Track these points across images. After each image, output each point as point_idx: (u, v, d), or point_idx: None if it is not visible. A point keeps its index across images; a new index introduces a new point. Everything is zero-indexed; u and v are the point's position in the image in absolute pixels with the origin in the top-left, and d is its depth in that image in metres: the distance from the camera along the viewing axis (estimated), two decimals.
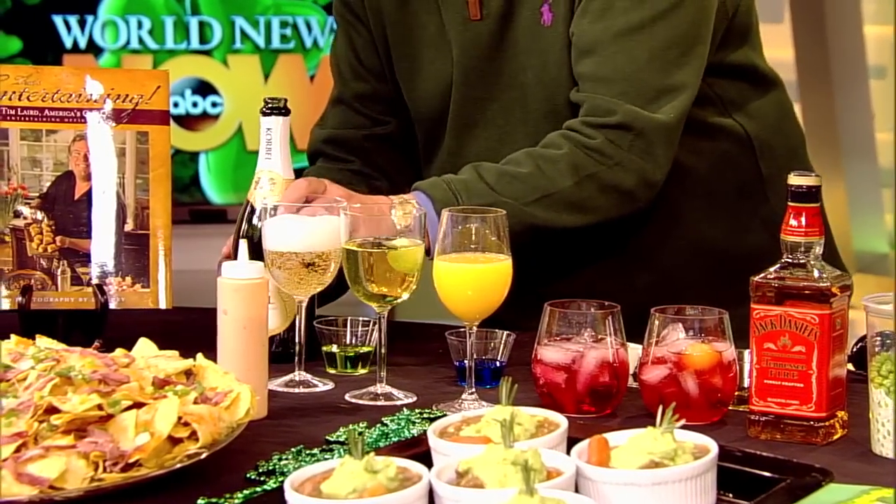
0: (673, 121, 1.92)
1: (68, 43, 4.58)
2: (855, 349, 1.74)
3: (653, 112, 1.90)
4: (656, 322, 1.65)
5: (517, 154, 1.94)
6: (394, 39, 2.10)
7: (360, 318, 1.88)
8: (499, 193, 1.89)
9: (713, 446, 1.34)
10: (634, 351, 1.71)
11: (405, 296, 1.74)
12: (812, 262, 1.57)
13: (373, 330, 1.85)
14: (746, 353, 1.64)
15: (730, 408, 1.67)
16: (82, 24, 4.58)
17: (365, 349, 1.87)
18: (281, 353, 1.85)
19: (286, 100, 1.88)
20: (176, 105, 4.57)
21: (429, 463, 1.33)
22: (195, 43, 4.64)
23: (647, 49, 1.91)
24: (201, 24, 4.63)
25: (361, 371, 1.86)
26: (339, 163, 2.17)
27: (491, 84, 2.03)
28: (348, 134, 2.17)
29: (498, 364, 1.83)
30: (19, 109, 1.95)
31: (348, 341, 1.87)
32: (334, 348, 1.87)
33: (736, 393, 1.67)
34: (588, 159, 1.91)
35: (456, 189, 1.89)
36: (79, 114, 1.95)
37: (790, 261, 1.58)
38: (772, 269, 1.58)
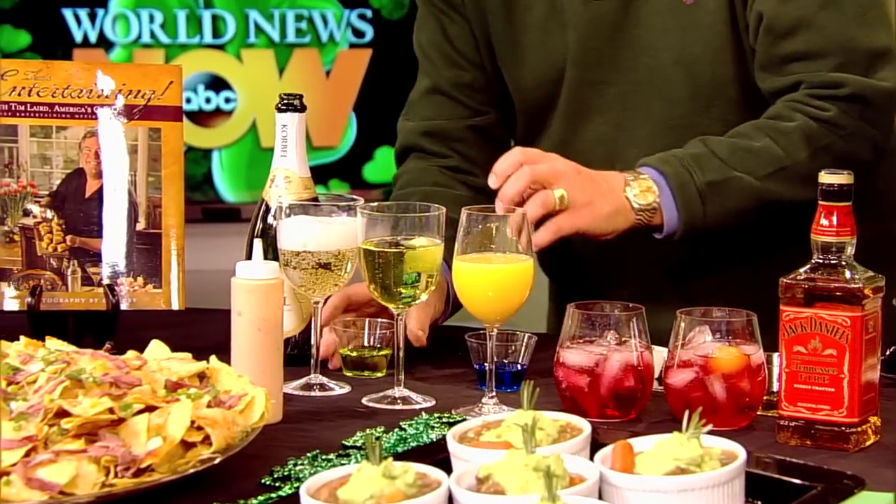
0: (894, 86, 1.92)
1: (78, 37, 4.60)
2: (889, 353, 1.73)
3: (876, 80, 1.91)
4: (682, 324, 1.65)
5: (744, 126, 1.92)
6: (496, 24, 2.07)
7: (379, 320, 1.89)
8: (732, 167, 1.87)
9: (741, 452, 1.33)
10: (659, 354, 1.71)
11: (423, 297, 1.74)
12: (844, 263, 1.56)
13: (390, 331, 1.86)
14: (775, 356, 1.64)
15: (758, 413, 1.66)
16: (93, 17, 4.59)
17: (382, 353, 1.87)
18: (296, 356, 1.85)
19: (302, 96, 1.89)
20: (189, 101, 4.59)
21: (448, 469, 1.33)
22: (208, 37, 4.65)
23: (852, 15, 1.92)
24: (214, 18, 4.64)
25: (378, 375, 1.86)
26: (436, 158, 2.12)
27: (610, 67, 2.00)
28: (448, 125, 2.12)
29: (519, 367, 1.83)
30: (29, 105, 1.95)
31: (366, 342, 1.88)
32: (352, 351, 1.87)
33: (765, 397, 1.67)
34: (822, 130, 1.90)
35: (689, 164, 1.87)
36: (89, 110, 1.96)
37: (821, 261, 1.57)
38: (802, 270, 1.58)
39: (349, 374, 1.86)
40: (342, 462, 1.51)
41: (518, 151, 1.82)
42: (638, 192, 1.82)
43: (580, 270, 2.11)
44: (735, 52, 1.97)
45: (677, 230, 1.88)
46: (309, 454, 1.53)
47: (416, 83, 2.17)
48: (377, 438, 1.58)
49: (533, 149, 1.87)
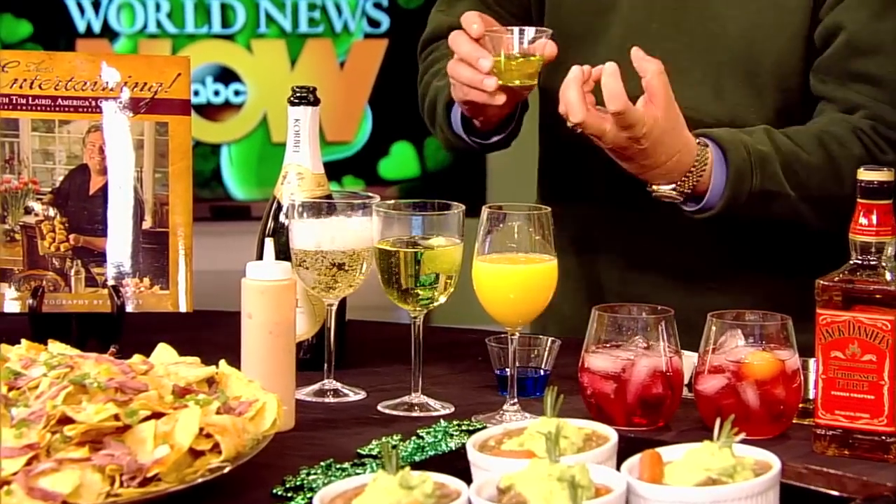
0: None
1: (81, 27, 4.61)
2: None
3: None
4: (713, 328, 1.65)
5: (806, 135, 1.92)
6: None
7: (528, 27, 1.84)
8: (787, 181, 1.89)
9: (775, 462, 1.33)
10: (689, 359, 1.71)
11: (442, 299, 1.75)
12: (884, 264, 1.56)
13: (543, 35, 1.81)
14: (812, 361, 1.63)
15: (793, 421, 1.66)
16: (96, 6, 4.61)
17: (535, 58, 1.82)
18: (309, 360, 1.86)
19: (315, 88, 1.89)
20: (196, 94, 4.60)
21: (468, 478, 1.33)
22: (217, 27, 4.66)
23: None
24: (223, 7, 4.65)
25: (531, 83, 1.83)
26: None
27: (669, 21, 1.99)
28: None
29: (542, 373, 1.83)
30: (30, 98, 1.96)
31: (516, 49, 1.81)
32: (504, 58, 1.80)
33: (800, 405, 1.67)
34: None
35: (754, 163, 1.88)
36: (94, 103, 1.96)
37: (860, 262, 1.57)
38: (839, 271, 1.57)
39: (504, 83, 1.81)
40: (357, 471, 1.52)
41: (660, 69, 1.81)
42: (692, 178, 1.84)
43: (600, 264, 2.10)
44: (807, 45, 1.96)
45: (708, 209, 1.88)
46: (322, 463, 1.54)
47: None
48: (394, 447, 1.59)
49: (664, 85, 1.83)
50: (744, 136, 1.90)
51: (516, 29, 1.84)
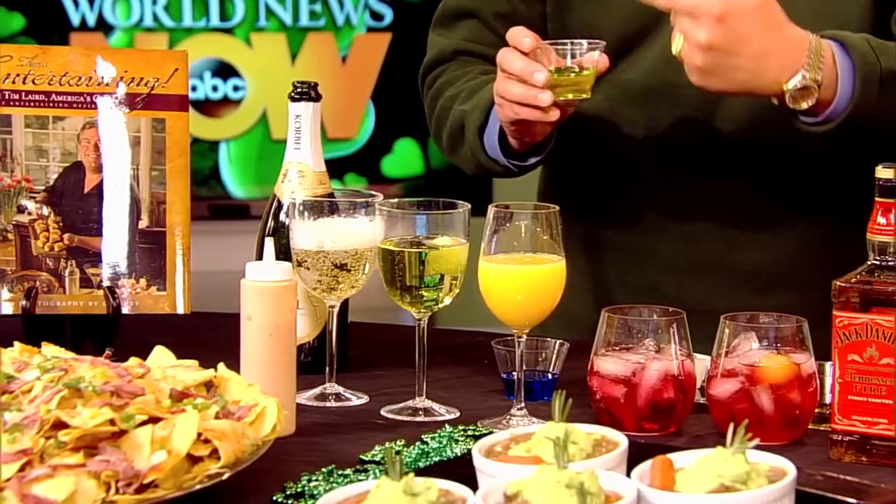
0: None
1: (75, 20, 4.62)
2: None
3: None
4: (726, 330, 1.65)
5: None
6: None
7: (580, 41, 1.83)
8: None
9: (791, 469, 1.33)
10: (702, 362, 1.71)
11: (447, 300, 1.75)
12: None
13: (597, 49, 1.81)
14: (828, 365, 1.63)
15: (809, 426, 1.66)
16: None
17: (586, 72, 1.82)
18: (310, 364, 1.86)
19: (316, 84, 1.90)
20: (194, 89, 4.60)
21: (474, 485, 1.34)
22: (215, 20, 4.67)
23: None
24: (222, 0, 4.66)
25: (584, 96, 1.82)
26: (482, 64, 2.09)
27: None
28: (482, 49, 2.10)
29: (550, 376, 1.83)
30: (23, 94, 1.96)
31: (569, 62, 1.81)
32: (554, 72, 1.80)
33: (816, 410, 1.67)
34: None
35: (875, 47, 1.82)
36: (89, 99, 1.97)
37: (878, 263, 1.57)
38: (857, 272, 1.57)
39: (558, 98, 1.81)
40: (360, 478, 1.52)
41: None
42: (806, 77, 1.79)
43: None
44: (876, 16, 1.94)
45: (840, 115, 1.83)
46: (324, 469, 1.54)
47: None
48: (397, 453, 1.59)
49: None
50: (847, 32, 1.85)
51: (569, 42, 1.83)
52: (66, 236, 1.97)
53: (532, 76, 1.81)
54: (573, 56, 1.83)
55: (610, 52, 1.91)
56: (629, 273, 2.06)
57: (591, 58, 1.83)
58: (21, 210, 1.97)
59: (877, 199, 1.57)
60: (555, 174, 2.16)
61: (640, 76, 2.01)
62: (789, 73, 1.79)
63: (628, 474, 1.34)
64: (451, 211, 1.74)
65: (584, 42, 1.83)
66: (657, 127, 2.00)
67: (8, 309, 1.96)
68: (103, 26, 4.63)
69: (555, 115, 1.84)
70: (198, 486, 1.41)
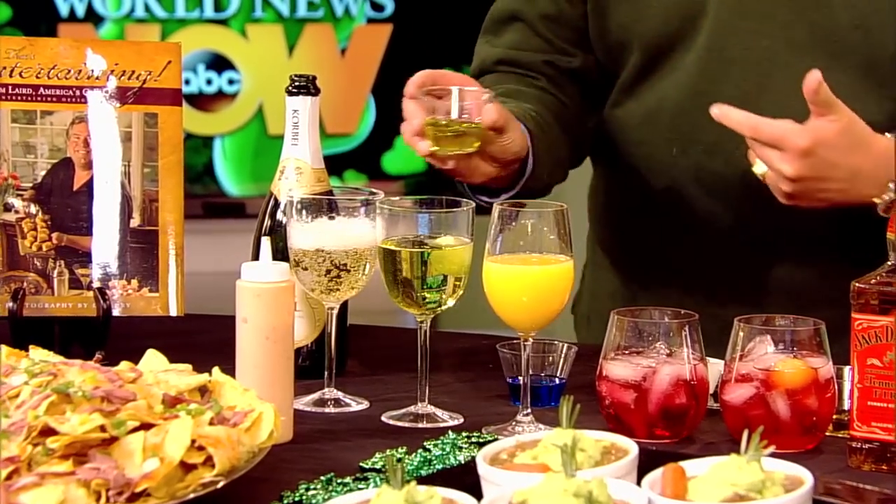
0: None
1: (64, 10, 4.62)
2: None
3: None
4: (741, 334, 1.65)
5: None
6: None
7: (470, 88, 1.82)
8: None
9: (807, 478, 1.33)
10: (715, 367, 1.71)
11: (451, 302, 1.75)
12: None
13: (484, 99, 1.80)
14: (847, 370, 1.64)
15: (826, 433, 1.66)
16: None
17: (475, 124, 1.80)
18: (309, 368, 1.86)
19: (315, 77, 1.90)
20: (187, 83, 4.61)
21: (478, 494, 1.34)
22: (209, 11, 4.67)
23: None
24: None
25: (470, 150, 1.81)
26: (521, 76, 2.10)
27: (767, 16, 1.96)
28: (528, 56, 2.10)
29: (557, 381, 1.84)
30: (10, 87, 1.97)
31: (454, 114, 1.81)
32: (438, 122, 1.80)
33: (834, 416, 1.67)
34: None
35: None
36: (78, 92, 1.97)
37: None
38: (876, 273, 1.58)
39: (436, 148, 1.81)
40: (360, 486, 1.52)
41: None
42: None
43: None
44: None
45: None
46: (323, 477, 1.54)
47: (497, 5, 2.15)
48: (399, 460, 1.59)
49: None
50: None
51: (455, 89, 1.82)
52: (54, 235, 1.97)
53: (404, 124, 1.83)
54: (453, 105, 1.81)
55: (644, 57, 1.92)
56: (669, 287, 2.06)
57: (475, 108, 1.81)
58: (8, 208, 1.97)
59: None
60: (603, 180, 2.16)
61: (675, 88, 2.02)
62: (881, 187, 1.74)
63: (639, 483, 1.35)
64: (454, 209, 1.74)
65: (455, 88, 1.82)
66: (691, 146, 2.01)
67: None
68: (93, 17, 4.63)
69: (450, 164, 1.84)
70: (191, 495, 1.41)
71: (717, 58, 1.99)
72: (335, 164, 4.54)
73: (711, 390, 1.71)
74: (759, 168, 1.84)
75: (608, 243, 2.17)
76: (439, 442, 1.66)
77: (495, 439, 1.64)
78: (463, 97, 1.82)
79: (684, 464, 1.36)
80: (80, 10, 4.63)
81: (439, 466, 1.58)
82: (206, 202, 4.67)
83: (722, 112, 1.83)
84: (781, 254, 2.01)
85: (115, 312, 1.96)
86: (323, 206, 1.80)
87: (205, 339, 1.89)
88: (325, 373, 1.82)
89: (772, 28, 1.97)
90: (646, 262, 2.10)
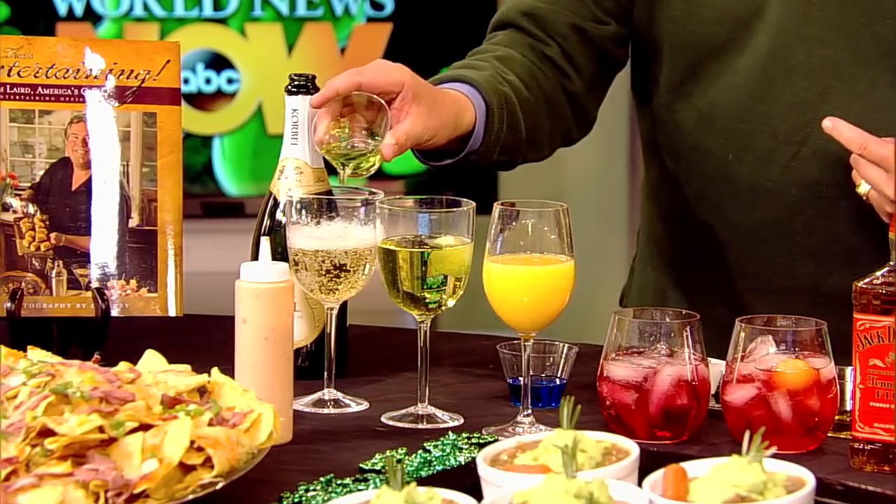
0: None
1: (62, 9, 4.62)
2: None
3: None
4: (742, 334, 1.65)
5: None
6: None
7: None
8: None
9: (809, 479, 1.33)
10: (716, 367, 1.71)
11: (451, 302, 1.75)
12: None
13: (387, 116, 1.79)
14: (849, 370, 1.64)
15: (829, 434, 1.66)
16: None
17: (375, 140, 1.81)
18: (308, 368, 1.86)
19: (314, 76, 1.90)
20: (186, 82, 4.61)
21: (478, 495, 1.34)
22: (208, 10, 4.67)
23: None
24: None
25: (367, 165, 1.82)
26: (533, 40, 2.04)
27: (830, 24, 1.95)
28: (553, 14, 2.04)
29: (558, 382, 1.84)
30: (8, 87, 1.97)
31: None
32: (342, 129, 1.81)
33: (836, 417, 1.67)
34: None
35: None
36: (77, 92, 1.97)
37: None
38: (879, 273, 1.58)
39: (331, 159, 1.82)
40: (359, 487, 1.52)
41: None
42: None
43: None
44: None
45: None
46: (322, 478, 1.54)
47: None
48: (398, 461, 1.59)
49: None
50: None
51: (354, 116, 1.82)
52: (52, 235, 1.97)
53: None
54: (358, 126, 1.82)
55: (695, 56, 1.90)
56: (720, 291, 2.05)
57: (397, 130, 1.80)
58: (6, 208, 1.97)
59: None
60: (659, 177, 2.14)
61: (729, 93, 1.99)
62: None
63: (640, 484, 1.35)
64: (454, 209, 1.74)
65: (355, 115, 1.81)
66: (746, 153, 1.99)
67: None
68: (91, 16, 4.63)
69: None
70: (190, 496, 1.41)
71: (778, 64, 1.96)
72: None
73: (713, 391, 1.71)
74: (863, 188, 1.84)
75: (661, 241, 2.15)
76: (439, 443, 1.66)
77: (496, 440, 1.64)
78: (363, 119, 1.82)
79: (685, 465, 1.36)
80: (79, 9, 4.63)
81: (439, 467, 1.58)
82: (205, 202, 4.67)
83: (835, 126, 1.83)
84: (839, 265, 1.99)
85: (114, 313, 1.96)
86: (323, 205, 1.80)
87: (204, 340, 1.89)
88: (325, 373, 1.82)
89: (836, 37, 1.95)
90: (698, 263, 2.09)
